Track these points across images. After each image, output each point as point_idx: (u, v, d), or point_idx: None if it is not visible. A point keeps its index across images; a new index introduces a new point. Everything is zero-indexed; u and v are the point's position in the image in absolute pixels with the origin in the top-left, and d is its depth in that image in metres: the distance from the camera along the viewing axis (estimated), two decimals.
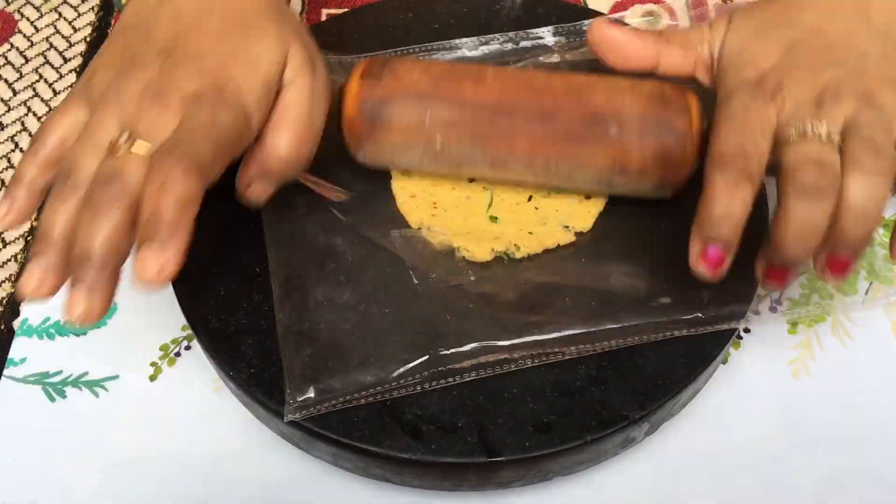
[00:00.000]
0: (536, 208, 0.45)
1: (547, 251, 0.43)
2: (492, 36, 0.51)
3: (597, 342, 0.40)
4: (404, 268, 0.42)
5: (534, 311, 0.41)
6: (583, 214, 0.44)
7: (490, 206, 0.45)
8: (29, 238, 0.51)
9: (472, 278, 0.42)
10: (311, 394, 0.38)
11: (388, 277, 0.42)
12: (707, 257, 0.36)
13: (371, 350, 0.40)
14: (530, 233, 0.43)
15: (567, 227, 0.44)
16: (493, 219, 0.44)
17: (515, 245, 0.43)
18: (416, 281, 0.41)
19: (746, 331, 0.46)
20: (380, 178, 0.46)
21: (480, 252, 0.43)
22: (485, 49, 0.51)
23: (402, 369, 0.39)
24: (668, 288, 0.41)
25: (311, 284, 0.42)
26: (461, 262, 0.42)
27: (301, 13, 0.62)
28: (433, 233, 0.43)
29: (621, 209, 0.45)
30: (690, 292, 0.40)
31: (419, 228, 0.44)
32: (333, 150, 0.44)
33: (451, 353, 0.39)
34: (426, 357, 0.39)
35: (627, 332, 0.40)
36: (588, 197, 0.45)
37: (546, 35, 0.51)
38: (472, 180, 0.45)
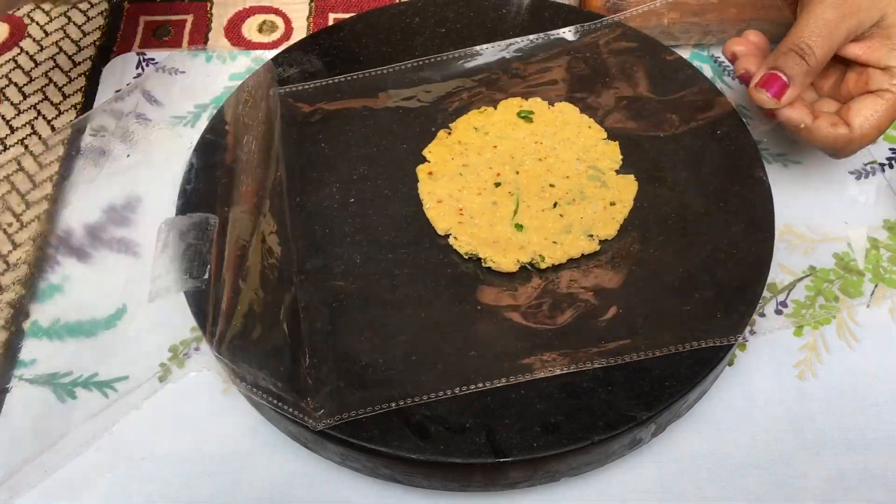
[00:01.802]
0: (561, 215, 0.45)
1: (571, 260, 0.44)
2: (513, 40, 0.51)
3: (617, 356, 0.40)
4: (439, 288, 0.43)
5: (557, 322, 0.41)
6: (607, 221, 0.44)
7: (516, 212, 0.45)
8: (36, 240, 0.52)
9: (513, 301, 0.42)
10: (333, 404, 0.39)
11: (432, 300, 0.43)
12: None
13: (398, 376, 0.40)
14: (555, 242, 0.44)
15: (591, 235, 0.44)
16: (519, 227, 0.44)
17: (540, 255, 0.43)
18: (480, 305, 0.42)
19: (752, 332, 0.46)
20: (407, 182, 0.46)
21: (506, 263, 0.43)
22: (505, 53, 0.51)
23: (434, 395, 0.39)
24: (694, 298, 0.42)
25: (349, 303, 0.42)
26: (484, 273, 0.43)
27: (308, 17, 0.62)
28: (459, 243, 0.44)
29: (646, 215, 0.45)
30: (710, 305, 0.41)
31: (446, 235, 0.44)
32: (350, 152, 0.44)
33: (482, 381, 0.40)
34: (459, 388, 0.40)
35: (656, 344, 0.40)
36: (612, 203, 0.45)
37: (567, 34, 0.52)
38: (497, 184, 0.46)
